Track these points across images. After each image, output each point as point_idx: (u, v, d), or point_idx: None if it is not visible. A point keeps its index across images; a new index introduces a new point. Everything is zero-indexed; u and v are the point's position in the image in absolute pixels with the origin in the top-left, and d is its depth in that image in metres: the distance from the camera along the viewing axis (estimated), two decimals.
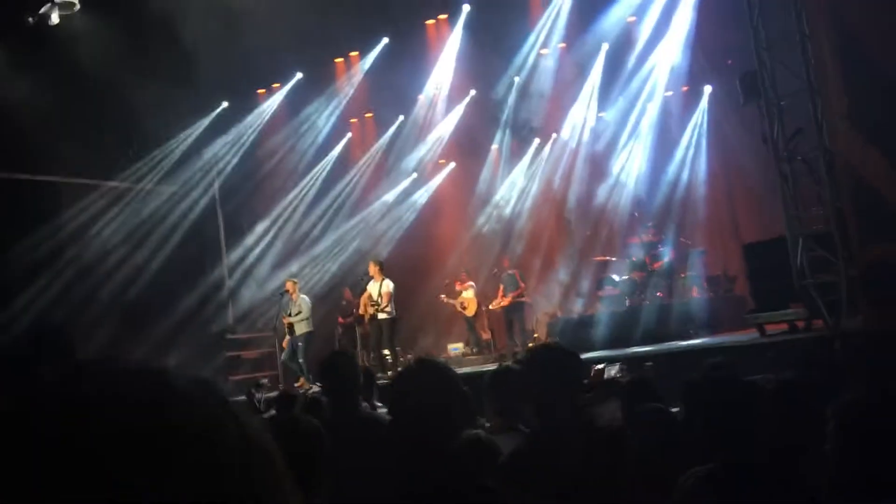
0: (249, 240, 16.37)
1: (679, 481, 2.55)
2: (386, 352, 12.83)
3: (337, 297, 15.40)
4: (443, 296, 14.54)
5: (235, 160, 16.31)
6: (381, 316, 12.70)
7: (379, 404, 5.17)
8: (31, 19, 11.62)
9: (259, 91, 16.22)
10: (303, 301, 13.07)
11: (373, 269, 13.04)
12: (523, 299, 13.75)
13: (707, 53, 13.78)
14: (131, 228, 14.53)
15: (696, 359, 8.95)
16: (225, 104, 15.83)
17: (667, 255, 13.30)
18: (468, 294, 14.38)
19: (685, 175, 15.04)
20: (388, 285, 12.74)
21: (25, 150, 12.61)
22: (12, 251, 12.45)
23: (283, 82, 15.93)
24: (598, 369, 8.27)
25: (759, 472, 2.36)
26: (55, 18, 11.61)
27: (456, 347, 14.70)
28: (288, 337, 13.02)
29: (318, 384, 7.99)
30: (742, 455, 2.40)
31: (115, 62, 12.04)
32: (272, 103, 16.20)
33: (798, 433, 2.87)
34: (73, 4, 11.68)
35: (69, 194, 14.09)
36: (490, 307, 14.28)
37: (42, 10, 11.53)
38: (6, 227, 12.41)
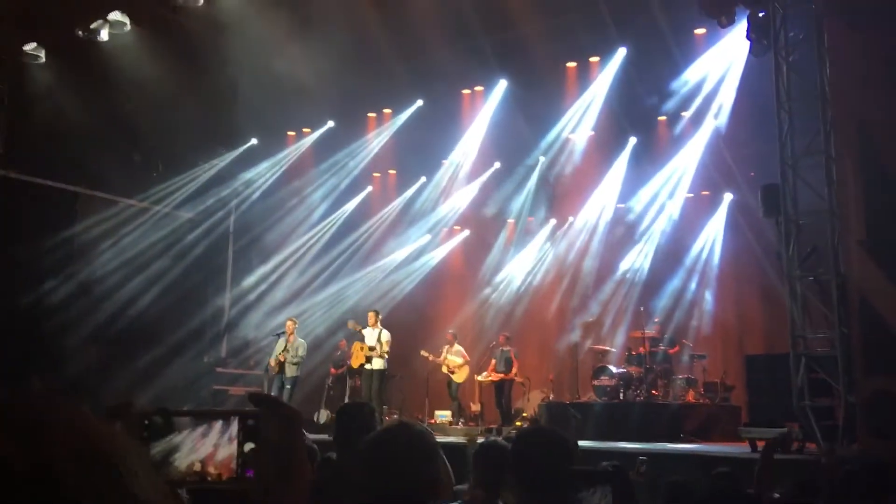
0: (256, 276, 16.40)
1: None
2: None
3: (331, 346, 15.32)
4: (424, 352, 14.34)
5: (255, 196, 16.47)
6: (376, 364, 12.66)
7: None
8: (81, 33, 11.91)
9: (289, 133, 16.45)
10: (300, 344, 13.02)
11: (372, 317, 13.07)
12: (515, 378, 13.72)
13: (732, 161, 13.93)
14: (142, 248, 14.57)
15: (682, 463, 8.83)
16: (254, 141, 16.05)
17: (665, 353, 13.30)
18: (455, 359, 14.20)
19: (695, 277, 15.05)
20: (387, 334, 12.81)
21: (52, 155, 12.78)
22: (21, 253, 12.48)
23: (314, 128, 16.16)
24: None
25: None
26: (105, 35, 11.90)
27: (444, 414, 14.50)
28: (277, 376, 12.92)
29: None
30: None
31: (156, 83, 12.28)
32: (300, 146, 16.42)
33: None
34: (124, 24, 11.99)
35: (86, 206, 14.19)
36: (479, 379, 14.18)
37: (93, 26, 11.82)
38: (20, 228, 12.49)
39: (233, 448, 1.28)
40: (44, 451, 0.59)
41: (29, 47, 12.26)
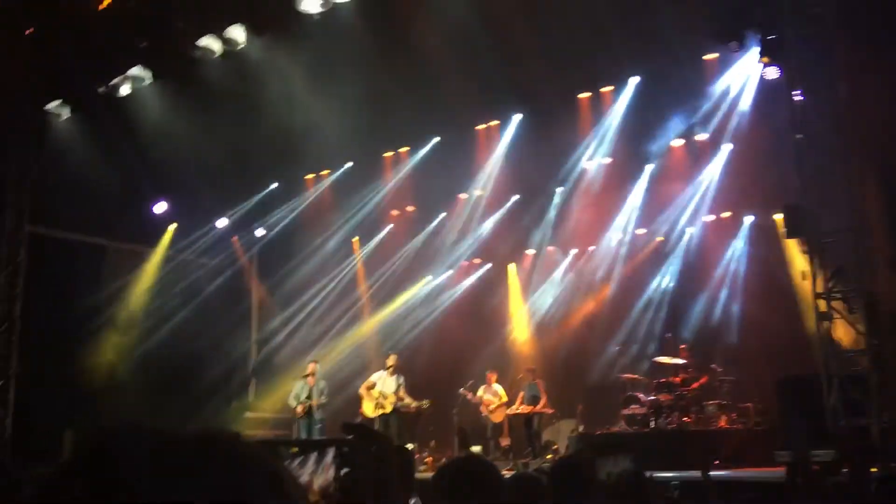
0: (280, 320, 16.49)
1: None
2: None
3: (357, 386, 15.28)
4: (463, 390, 14.29)
5: (277, 239, 16.64)
6: (389, 407, 12.81)
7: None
8: (102, 89, 12.16)
9: (307, 176, 16.63)
10: (323, 386, 13.09)
11: (393, 360, 13.18)
12: (545, 410, 13.63)
13: (752, 182, 13.89)
14: (168, 296, 14.74)
15: (720, 491, 8.70)
16: (275, 185, 16.24)
17: (695, 380, 13.15)
18: (492, 398, 14.13)
19: (720, 300, 14.92)
20: (402, 378, 12.96)
21: (77, 210, 13.00)
22: (49, 307, 12.66)
23: (333, 170, 16.33)
24: None
25: None
26: (126, 90, 12.15)
27: (474, 450, 14.38)
28: (304, 419, 12.96)
29: None
30: None
31: (177, 133, 12.49)
32: (319, 188, 16.59)
33: None
34: (143, 79, 12.22)
35: (113, 257, 14.39)
36: (507, 412, 14.10)
37: (114, 82, 12.07)
38: (48, 282, 12.68)
39: (328, 476, 1.36)
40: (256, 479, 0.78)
41: (52, 105, 12.55)
